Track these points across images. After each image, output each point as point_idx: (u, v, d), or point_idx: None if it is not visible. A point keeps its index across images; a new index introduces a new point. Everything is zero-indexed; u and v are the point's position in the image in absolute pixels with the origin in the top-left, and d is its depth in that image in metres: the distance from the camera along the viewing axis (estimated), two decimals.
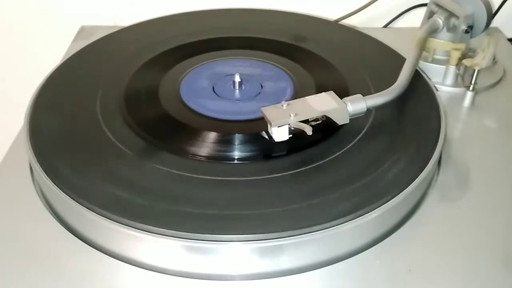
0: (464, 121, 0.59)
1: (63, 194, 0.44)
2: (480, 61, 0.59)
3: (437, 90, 0.59)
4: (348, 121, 0.50)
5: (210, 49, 0.64)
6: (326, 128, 0.50)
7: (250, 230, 0.41)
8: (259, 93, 0.56)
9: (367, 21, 0.80)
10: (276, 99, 0.54)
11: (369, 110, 0.51)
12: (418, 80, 0.58)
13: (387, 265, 0.43)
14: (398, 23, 0.81)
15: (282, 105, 0.49)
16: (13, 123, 0.58)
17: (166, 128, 0.52)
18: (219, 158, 0.49)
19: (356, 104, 0.50)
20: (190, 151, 0.49)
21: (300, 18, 0.74)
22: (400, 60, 0.59)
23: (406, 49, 0.60)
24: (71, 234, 0.45)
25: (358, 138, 0.51)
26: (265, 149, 0.49)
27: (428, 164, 0.47)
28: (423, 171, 0.47)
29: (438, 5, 0.64)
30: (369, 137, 0.51)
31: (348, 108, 0.50)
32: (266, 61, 0.62)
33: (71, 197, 0.44)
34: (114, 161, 0.48)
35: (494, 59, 0.64)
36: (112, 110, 0.54)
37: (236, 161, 0.48)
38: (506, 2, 0.74)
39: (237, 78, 0.57)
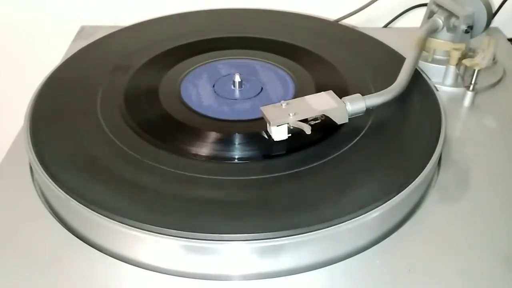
0: (464, 121, 0.59)
1: (63, 194, 0.44)
2: (480, 61, 0.59)
3: (437, 90, 0.59)
4: (347, 121, 0.50)
5: (210, 49, 0.64)
6: (325, 127, 0.50)
7: (250, 230, 0.41)
8: (259, 93, 0.56)
9: (367, 21, 0.81)
10: (275, 99, 0.54)
11: (369, 110, 0.51)
12: (418, 80, 0.58)
13: (387, 265, 0.43)
14: (398, 23, 0.81)
15: (282, 105, 0.49)
16: (13, 123, 0.58)
17: (166, 128, 0.52)
18: (219, 158, 0.49)
19: (355, 104, 0.50)
20: (190, 151, 0.49)
21: (300, 18, 0.74)
22: (400, 60, 0.59)
23: (406, 49, 0.60)
24: (71, 234, 0.45)
25: (357, 138, 0.51)
26: (265, 149, 0.49)
27: (428, 164, 0.47)
28: (423, 171, 0.47)
29: (438, 5, 0.64)
30: (368, 136, 0.51)
31: (347, 107, 0.50)
32: (266, 61, 0.62)
33: (71, 197, 0.44)
34: (114, 161, 0.48)
35: (494, 59, 0.64)
36: (112, 110, 0.54)
37: (236, 161, 0.48)
38: (506, 2, 0.74)
39: (237, 78, 0.57)
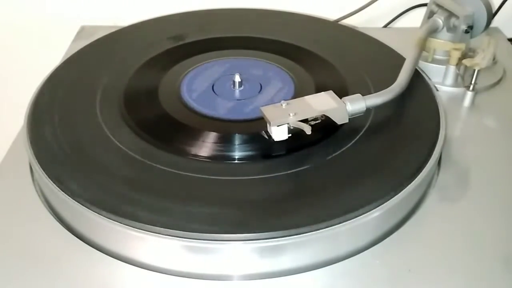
0: (464, 121, 0.59)
1: (63, 194, 0.44)
2: (480, 61, 0.59)
3: (437, 90, 0.59)
4: (347, 121, 0.50)
5: (210, 49, 0.64)
6: (325, 127, 0.50)
7: (250, 230, 0.41)
8: (259, 93, 0.56)
9: (367, 21, 0.81)
10: (276, 99, 0.54)
11: (369, 110, 0.51)
12: (418, 80, 0.58)
13: (387, 265, 0.43)
14: (398, 23, 0.81)
15: (282, 105, 0.49)
16: (13, 123, 0.58)
17: (166, 128, 0.52)
18: (219, 158, 0.49)
19: (356, 104, 0.50)
20: (190, 151, 0.49)
21: (300, 18, 0.74)
22: (400, 60, 0.59)
23: (406, 49, 0.60)
24: (71, 234, 0.45)
25: (357, 137, 0.51)
26: (265, 149, 0.49)
27: (428, 164, 0.47)
28: (423, 171, 0.47)
29: (438, 5, 0.64)
30: (368, 137, 0.51)
31: (347, 107, 0.50)
32: (266, 61, 0.62)
33: (71, 197, 0.44)
34: (114, 161, 0.48)
35: (494, 59, 0.64)
36: (112, 110, 0.54)
37: (236, 161, 0.48)
38: (506, 2, 0.74)
39: (237, 78, 0.57)
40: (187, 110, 0.54)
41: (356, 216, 0.43)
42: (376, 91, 0.53)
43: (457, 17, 0.62)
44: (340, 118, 0.50)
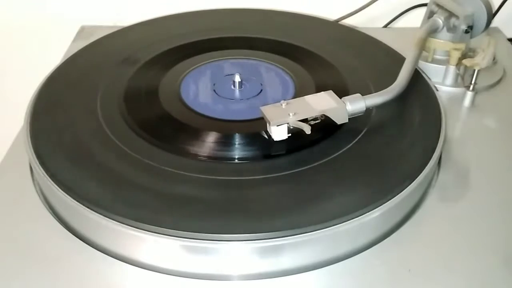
0: (464, 121, 0.59)
1: (63, 194, 0.44)
2: (480, 61, 0.59)
3: (437, 90, 0.59)
4: (347, 121, 0.50)
5: (210, 49, 0.64)
6: (325, 127, 0.50)
7: (250, 230, 0.41)
8: (259, 93, 0.56)
9: (367, 21, 0.81)
10: (276, 99, 0.54)
11: (369, 110, 0.51)
12: (418, 80, 0.58)
13: (387, 265, 0.43)
14: (398, 23, 0.81)
15: (281, 105, 0.49)
16: (13, 123, 0.58)
17: (166, 128, 0.52)
18: (219, 158, 0.49)
19: (355, 104, 0.50)
20: (190, 151, 0.49)
21: (300, 18, 0.74)
22: (400, 60, 0.59)
23: (406, 49, 0.60)
24: (71, 234, 0.45)
25: (357, 138, 0.51)
26: (265, 149, 0.49)
27: (428, 164, 0.47)
28: (423, 171, 0.47)
29: (438, 5, 0.64)
30: (368, 137, 0.51)
31: (347, 107, 0.50)
32: (266, 61, 0.62)
33: (70, 197, 0.44)
34: (114, 161, 0.48)
35: (494, 59, 0.64)
36: (112, 110, 0.54)
37: (236, 161, 0.48)
38: (506, 2, 0.74)
39: (237, 78, 0.57)
40: (187, 110, 0.54)
41: (356, 216, 0.43)
42: (376, 91, 0.53)
43: (457, 17, 0.62)
44: (340, 118, 0.50)
